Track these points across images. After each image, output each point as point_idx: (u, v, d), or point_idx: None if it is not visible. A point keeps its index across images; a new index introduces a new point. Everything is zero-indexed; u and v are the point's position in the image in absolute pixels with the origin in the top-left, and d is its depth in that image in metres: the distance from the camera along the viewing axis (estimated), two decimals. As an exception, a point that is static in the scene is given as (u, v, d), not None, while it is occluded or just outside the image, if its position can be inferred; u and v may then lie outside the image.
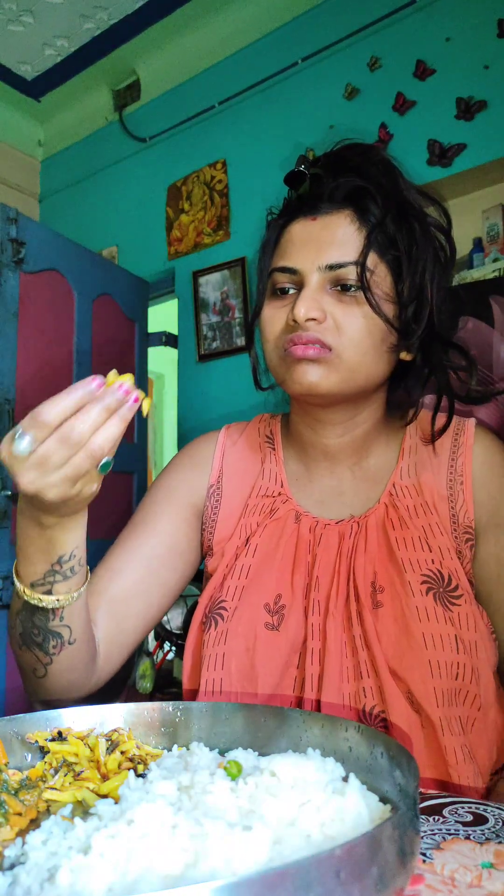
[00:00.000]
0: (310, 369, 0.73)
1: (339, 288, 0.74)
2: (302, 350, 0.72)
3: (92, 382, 0.52)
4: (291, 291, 0.77)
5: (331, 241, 0.74)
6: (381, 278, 0.74)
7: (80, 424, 0.52)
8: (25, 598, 0.64)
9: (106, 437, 0.53)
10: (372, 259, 0.73)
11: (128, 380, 0.54)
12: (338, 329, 0.73)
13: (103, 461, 0.55)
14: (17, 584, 0.65)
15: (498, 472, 0.80)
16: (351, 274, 0.73)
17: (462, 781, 0.68)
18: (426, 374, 0.81)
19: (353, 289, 0.73)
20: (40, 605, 0.64)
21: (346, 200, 0.75)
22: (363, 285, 0.72)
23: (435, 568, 0.74)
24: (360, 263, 0.72)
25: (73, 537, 0.62)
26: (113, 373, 0.55)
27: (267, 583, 0.78)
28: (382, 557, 0.76)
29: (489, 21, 2.25)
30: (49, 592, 0.64)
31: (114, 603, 0.79)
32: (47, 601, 0.64)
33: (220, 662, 0.76)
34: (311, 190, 0.77)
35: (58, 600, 0.64)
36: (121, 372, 0.55)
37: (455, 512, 0.78)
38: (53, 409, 0.52)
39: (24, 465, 0.53)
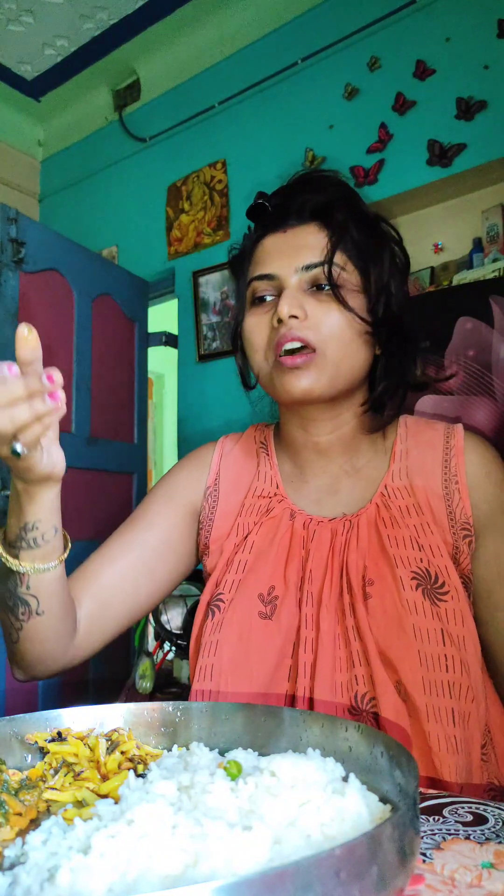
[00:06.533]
0: (301, 376, 0.79)
1: (315, 288, 0.80)
2: (291, 360, 0.78)
3: (4, 368, 0.54)
4: (270, 298, 0.83)
5: (303, 245, 0.81)
6: (351, 274, 0.81)
7: None
8: (2, 557, 0.71)
9: (9, 418, 0.55)
10: (341, 258, 0.80)
11: (54, 373, 0.56)
12: (318, 326, 0.79)
13: (13, 446, 0.57)
14: (1, 544, 0.71)
15: (493, 478, 0.83)
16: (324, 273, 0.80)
17: (444, 770, 0.70)
18: (396, 368, 0.85)
19: (327, 287, 0.80)
20: (8, 564, 0.70)
21: (311, 216, 0.82)
22: (331, 281, 0.78)
23: (423, 566, 0.77)
24: (328, 262, 0.79)
25: (35, 509, 0.67)
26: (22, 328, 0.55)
27: (261, 575, 0.82)
28: (374, 553, 0.79)
29: (489, 21, 2.25)
30: (17, 557, 0.70)
31: (101, 587, 0.84)
32: (13, 564, 0.70)
33: (213, 650, 0.79)
34: (276, 210, 0.85)
35: (22, 566, 0.70)
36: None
37: (452, 509, 0.81)
38: None
39: None
